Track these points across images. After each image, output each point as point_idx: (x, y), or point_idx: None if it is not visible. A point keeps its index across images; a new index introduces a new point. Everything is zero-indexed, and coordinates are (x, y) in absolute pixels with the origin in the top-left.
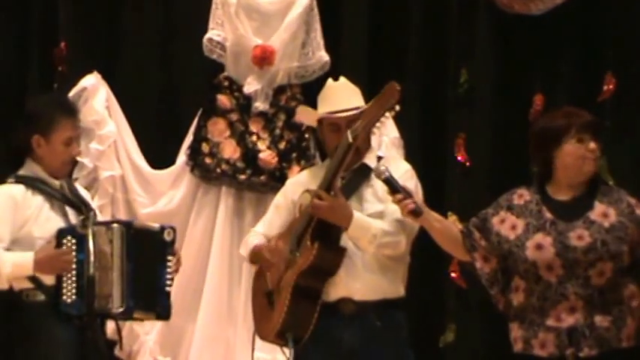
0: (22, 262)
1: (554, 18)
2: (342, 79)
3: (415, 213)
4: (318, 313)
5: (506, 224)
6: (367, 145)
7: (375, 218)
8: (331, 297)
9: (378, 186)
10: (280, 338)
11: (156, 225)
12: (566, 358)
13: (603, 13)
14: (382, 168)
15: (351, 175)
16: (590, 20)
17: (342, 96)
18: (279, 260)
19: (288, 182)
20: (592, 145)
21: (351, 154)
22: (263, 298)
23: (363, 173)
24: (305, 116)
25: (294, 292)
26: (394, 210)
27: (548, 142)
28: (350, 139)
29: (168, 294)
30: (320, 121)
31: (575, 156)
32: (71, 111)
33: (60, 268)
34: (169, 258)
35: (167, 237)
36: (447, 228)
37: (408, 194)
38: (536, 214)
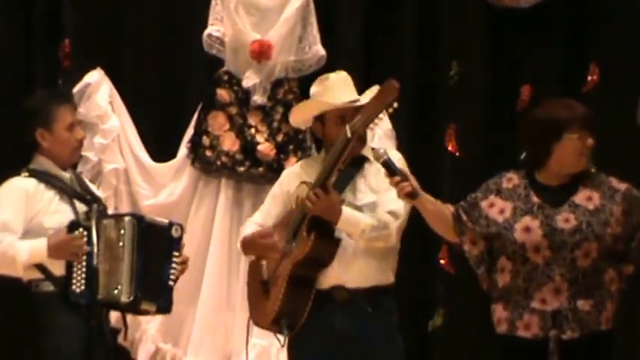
0: (37, 248)
1: (542, 10)
2: (344, 73)
3: (411, 195)
4: (311, 301)
5: (494, 208)
6: (364, 140)
7: (369, 209)
8: (324, 285)
9: (371, 177)
10: (275, 325)
11: (165, 220)
12: (549, 339)
13: (589, 4)
14: (381, 151)
15: (346, 166)
16: (577, 12)
17: (349, 89)
18: (274, 245)
19: (284, 173)
20: (590, 141)
21: (349, 149)
22: (258, 286)
23: (357, 164)
24: (305, 111)
25: (290, 281)
26: (387, 201)
27: (548, 133)
28: (349, 135)
29: (170, 288)
30: (322, 114)
31: (575, 151)
32: (65, 98)
33: (72, 253)
34: (175, 253)
35: (175, 233)
36: (439, 210)
37: (405, 177)
38: (524, 198)
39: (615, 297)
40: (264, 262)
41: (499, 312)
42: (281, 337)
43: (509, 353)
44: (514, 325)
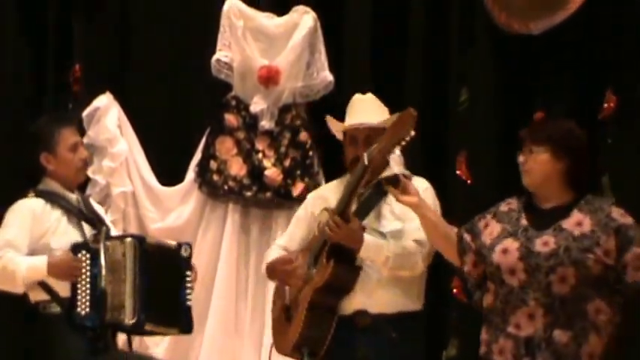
0: (36, 265)
1: (554, 36)
2: (369, 95)
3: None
4: (334, 329)
5: (487, 229)
6: (384, 164)
7: (394, 236)
8: (347, 310)
9: (395, 204)
10: (297, 352)
11: (172, 242)
12: None
13: (602, 30)
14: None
15: (370, 191)
16: (589, 38)
17: (363, 110)
18: (294, 271)
19: (310, 195)
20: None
21: (366, 177)
22: (281, 312)
23: (380, 190)
24: (332, 126)
25: (310, 308)
26: (413, 230)
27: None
28: (365, 162)
29: (189, 308)
30: (344, 133)
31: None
32: (66, 120)
33: (71, 274)
34: (188, 273)
35: (184, 253)
36: (443, 225)
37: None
38: (515, 221)
39: (605, 330)
40: (287, 287)
41: (483, 334)
42: None
43: None
44: (490, 348)
